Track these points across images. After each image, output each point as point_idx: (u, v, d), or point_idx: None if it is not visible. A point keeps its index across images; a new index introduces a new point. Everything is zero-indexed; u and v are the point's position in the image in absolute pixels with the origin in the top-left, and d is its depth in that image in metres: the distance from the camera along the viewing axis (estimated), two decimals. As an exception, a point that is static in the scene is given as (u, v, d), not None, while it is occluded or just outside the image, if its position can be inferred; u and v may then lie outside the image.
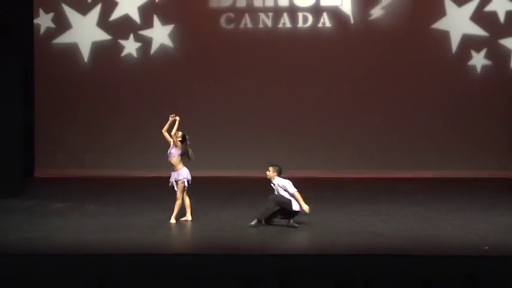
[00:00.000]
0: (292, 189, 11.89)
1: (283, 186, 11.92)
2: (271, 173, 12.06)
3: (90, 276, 9.15)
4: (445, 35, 17.95)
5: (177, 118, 12.27)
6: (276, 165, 12.12)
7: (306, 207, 11.81)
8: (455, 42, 17.93)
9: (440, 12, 17.96)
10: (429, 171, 17.71)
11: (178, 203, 12.20)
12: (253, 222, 11.89)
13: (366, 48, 18.09)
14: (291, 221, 11.83)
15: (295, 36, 18.22)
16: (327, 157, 18.05)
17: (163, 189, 12.87)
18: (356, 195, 15.33)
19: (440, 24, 17.95)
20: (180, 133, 12.28)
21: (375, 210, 13.47)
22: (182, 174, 12.17)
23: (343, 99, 18.19)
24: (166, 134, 12.23)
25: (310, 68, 18.17)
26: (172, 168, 12.28)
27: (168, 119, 12.41)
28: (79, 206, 13.75)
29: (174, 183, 12.22)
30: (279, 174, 12.09)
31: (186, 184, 12.17)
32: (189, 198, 12.35)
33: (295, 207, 11.87)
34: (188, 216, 12.31)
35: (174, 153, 12.19)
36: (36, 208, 13.56)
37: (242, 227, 11.95)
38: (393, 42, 18.05)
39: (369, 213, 13.12)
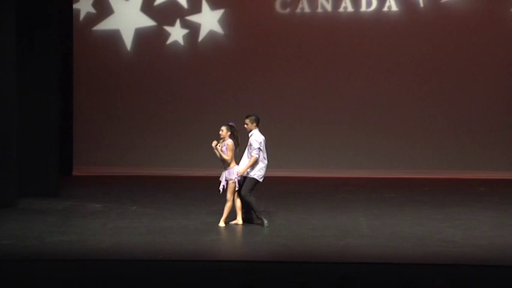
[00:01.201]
0: (256, 144, 11.84)
1: (250, 142, 11.93)
2: (249, 125, 11.99)
3: (129, 283, 9.17)
4: (528, 19, 17.58)
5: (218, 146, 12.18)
6: (252, 115, 12.05)
7: (239, 169, 11.91)
8: (540, 25, 17.54)
9: (524, -7, 17.59)
10: (506, 171, 17.37)
11: (228, 205, 12.15)
12: (266, 223, 11.97)
13: (436, 34, 17.79)
14: (265, 223, 11.95)
15: (357, 22, 18.02)
16: (390, 154, 17.85)
17: (210, 189, 12.86)
18: (424, 197, 15.11)
19: (524, 7, 17.59)
20: (223, 128, 12.13)
21: (445, 214, 13.26)
22: (233, 174, 12.11)
23: (411, 91, 17.91)
24: (227, 159, 12.12)
25: (374, 56, 17.95)
26: (223, 166, 12.23)
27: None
28: (119, 206, 13.84)
29: (225, 182, 12.17)
30: (258, 125, 12.05)
31: (237, 185, 12.11)
32: (240, 200, 12.30)
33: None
34: (239, 220, 12.27)
35: (226, 150, 12.14)
36: (73, 209, 13.68)
37: (298, 231, 11.87)
38: (468, 27, 17.70)
39: (439, 218, 12.92)
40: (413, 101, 17.94)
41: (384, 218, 12.93)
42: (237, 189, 12.15)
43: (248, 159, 12.02)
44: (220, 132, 12.14)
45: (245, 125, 12.12)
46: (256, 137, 11.96)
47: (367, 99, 17.99)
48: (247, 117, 12.07)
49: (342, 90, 18.03)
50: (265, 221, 12.02)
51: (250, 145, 11.95)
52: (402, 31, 17.91)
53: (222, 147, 12.09)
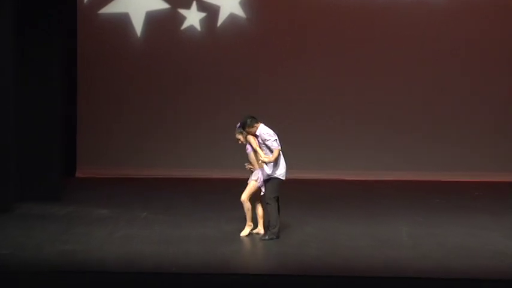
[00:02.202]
0: (271, 136, 11.75)
1: (261, 139, 11.78)
2: (255, 128, 11.80)
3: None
4: None
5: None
6: (247, 118, 11.83)
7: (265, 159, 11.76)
8: None
9: None
10: None
11: (245, 207, 12.05)
12: (266, 237, 11.94)
13: (495, 18, 17.73)
14: (266, 237, 11.91)
15: (399, 3, 17.96)
16: (435, 155, 17.81)
17: (231, 193, 12.87)
18: (474, 203, 15.09)
19: None
20: (239, 137, 12.03)
21: (498, 222, 13.22)
22: (256, 174, 12.06)
23: (457, 85, 17.85)
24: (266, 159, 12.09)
25: (419, 43, 17.89)
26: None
27: None
28: (128, 212, 13.90)
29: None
30: (258, 121, 11.91)
31: (262, 190, 12.00)
32: (262, 207, 12.31)
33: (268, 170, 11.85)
34: (260, 229, 12.26)
35: (250, 148, 12.10)
36: (77, 214, 13.76)
37: (330, 242, 11.88)
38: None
39: (491, 227, 12.88)
40: (460, 96, 17.86)
41: (428, 227, 12.89)
42: (262, 193, 12.12)
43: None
44: (240, 142, 12.10)
45: (252, 128, 11.98)
46: (266, 131, 11.89)
47: (408, 94, 17.93)
48: (247, 126, 11.92)
49: (380, 83, 17.97)
50: (267, 237, 11.99)
51: (265, 141, 11.86)
52: (450, 14, 17.82)
53: (250, 168, 12.09)
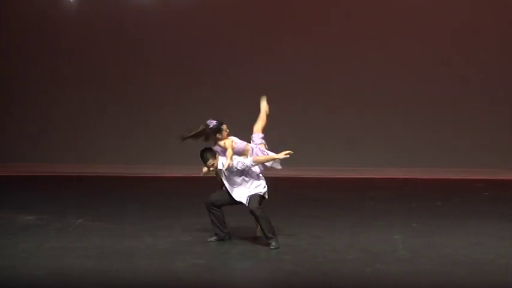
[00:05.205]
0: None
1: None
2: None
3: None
4: None
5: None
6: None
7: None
8: None
9: None
10: None
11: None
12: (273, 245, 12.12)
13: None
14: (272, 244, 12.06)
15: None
16: (437, 148, 18.05)
17: (188, 195, 12.89)
18: (484, 206, 15.22)
19: None
20: (227, 143, 12.21)
21: (510, 229, 13.36)
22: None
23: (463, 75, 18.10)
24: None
25: (427, 35, 18.16)
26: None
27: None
28: (59, 219, 13.86)
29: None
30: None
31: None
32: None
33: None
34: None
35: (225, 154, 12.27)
36: (-4, 222, 13.71)
37: (310, 254, 11.91)
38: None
39: (505, 236, 12.97)
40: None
41: (428, 236, 12.99)
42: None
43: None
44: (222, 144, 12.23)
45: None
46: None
47: (398, 84, 18.14)
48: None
49: (379, 74, 18.23)
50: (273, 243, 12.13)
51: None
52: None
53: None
